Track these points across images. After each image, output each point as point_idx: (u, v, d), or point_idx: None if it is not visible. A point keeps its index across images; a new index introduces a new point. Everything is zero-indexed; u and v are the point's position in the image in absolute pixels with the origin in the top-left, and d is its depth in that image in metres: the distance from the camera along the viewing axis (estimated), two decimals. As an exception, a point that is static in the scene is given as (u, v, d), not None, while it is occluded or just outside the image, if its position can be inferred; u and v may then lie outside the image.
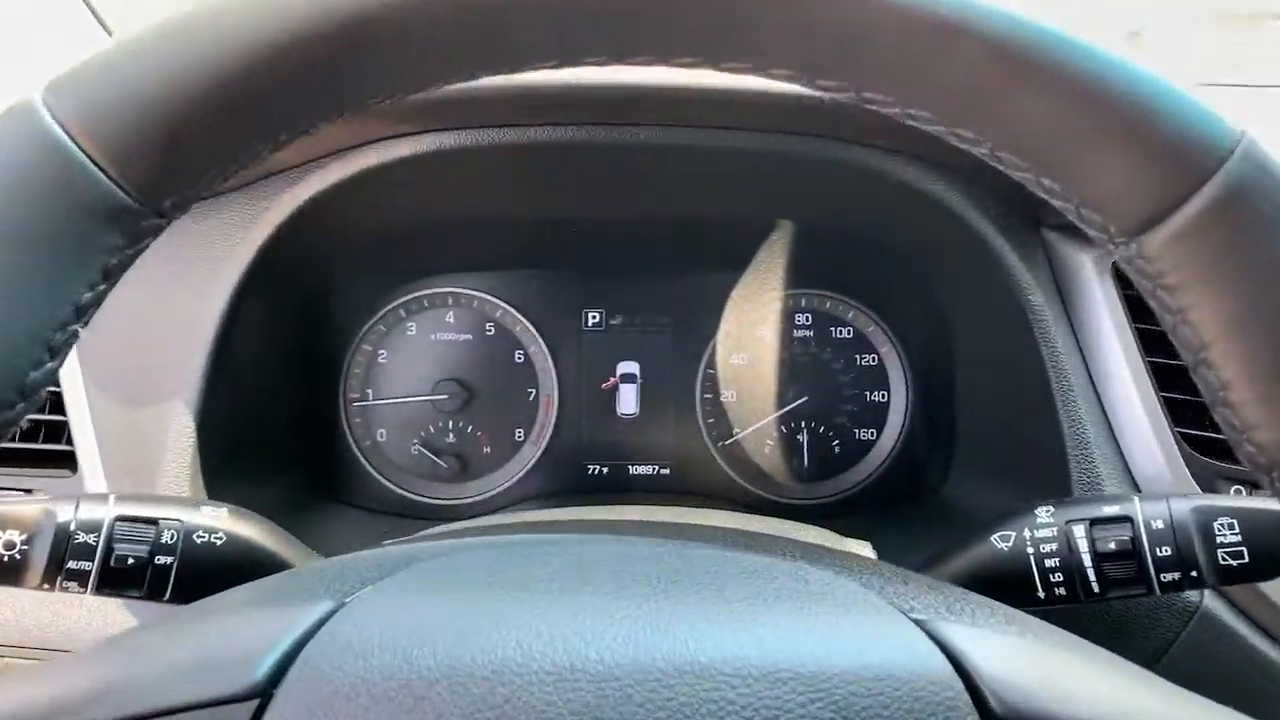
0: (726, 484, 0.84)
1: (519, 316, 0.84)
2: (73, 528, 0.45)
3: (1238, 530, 0.44)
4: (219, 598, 0.34)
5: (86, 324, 0.31)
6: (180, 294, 0.65)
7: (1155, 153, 0.28)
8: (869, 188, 0.65)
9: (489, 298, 0.84)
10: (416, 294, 0.84)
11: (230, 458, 0.67)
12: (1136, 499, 0.47)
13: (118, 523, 0.46)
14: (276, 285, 0.69)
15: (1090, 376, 0.64)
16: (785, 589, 0.34)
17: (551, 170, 0.67)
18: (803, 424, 0.84)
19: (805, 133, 0.62)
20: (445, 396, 0.83)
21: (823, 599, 0.33)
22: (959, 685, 0.30)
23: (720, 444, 0.85)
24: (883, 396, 0.84)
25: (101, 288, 0.31)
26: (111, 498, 0.47)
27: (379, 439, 0.84)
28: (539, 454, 0.84)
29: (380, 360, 0.84)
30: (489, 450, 0.85)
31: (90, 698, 0.29)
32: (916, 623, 0.32)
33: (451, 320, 0.85)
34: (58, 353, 0.31)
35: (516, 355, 0.85)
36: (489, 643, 0.30)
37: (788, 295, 0.84)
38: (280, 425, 0.77)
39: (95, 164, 0.30)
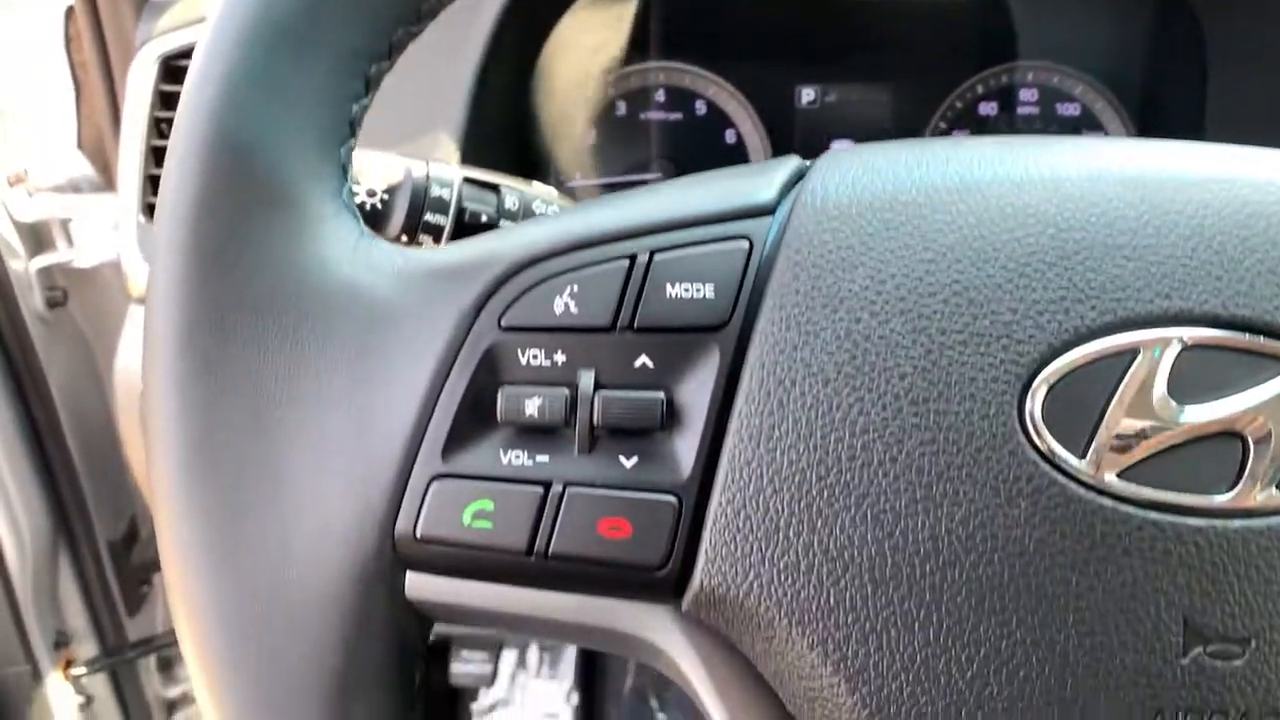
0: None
1: (733, 92, 0.82)
2: (428, 182, 0.45)
3: None
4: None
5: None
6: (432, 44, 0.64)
7: None
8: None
9: (701, 72, 0.82)
10: (623, 72, 0.83)
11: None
12: None
13: (465, 184, 0.46)
14: (518, 46, 0.69)
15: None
16: None
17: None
18: (1023, 204, 0.82)
19: None
20: (659, 176, 0.82)
21: None
22: None
23: (936, 226, 0.82)
24: (1108, 176, 0.81)
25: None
26: (455, 164, 0.47)
27: (589, 220, 0.83)
28: (749, 236, 0.83)
29: (589, 141, 0.83)
30: (699, 233, 0.83)
31: (586, 223, 0.29)
32: None
33: (661, 99, 0.83)
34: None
35: (728, 135, 0.84)
36: (1022, 154, 0.29)
37: (1015, 69, 0.81)
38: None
39: None
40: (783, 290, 0.27)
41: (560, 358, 0.28)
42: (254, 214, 0.28)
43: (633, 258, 0.28)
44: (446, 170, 0.46)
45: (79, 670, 1.04)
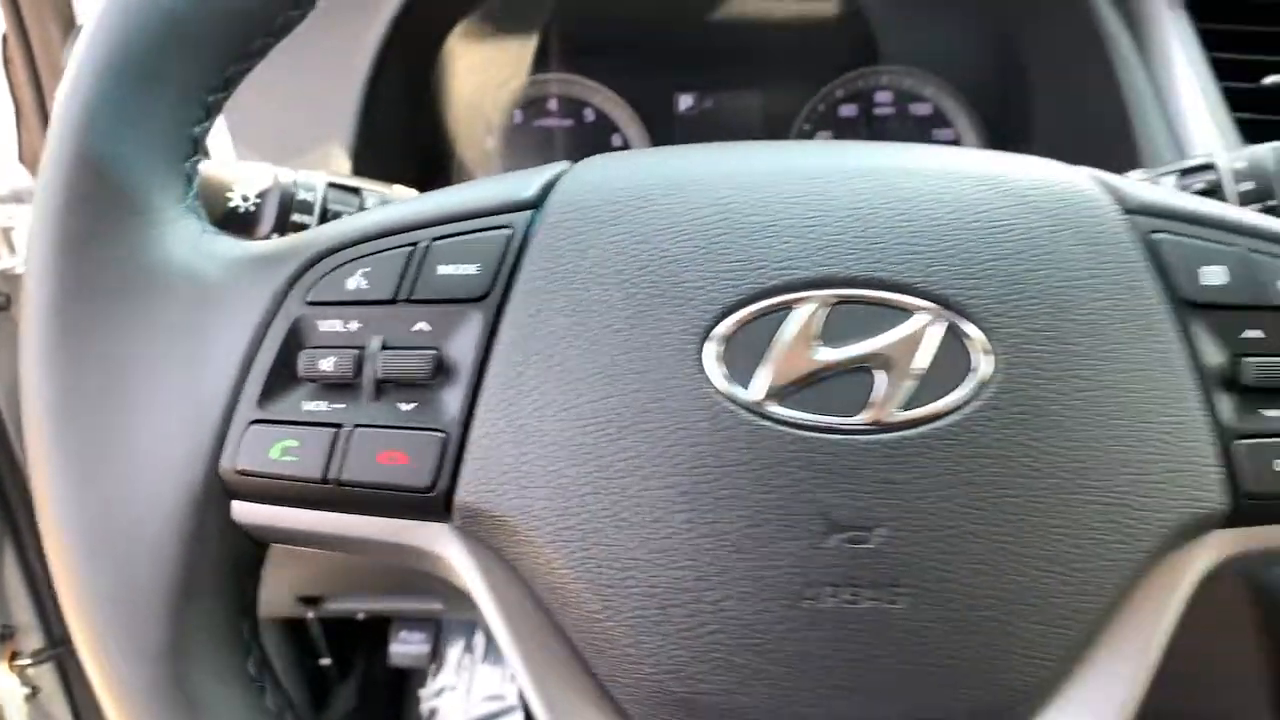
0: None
1: (619, 100, 0.90)
2: (295, 187, 0.51)
3: (1313, 158, 0.49)
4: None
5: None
6: (321, 59, 0.71)
7: None
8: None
9: (588, 82, 0.90)
10: (521, 83, 0.90)
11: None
12: (1216, 149, 0.53)
13: (329, 188, 0.53)
14: (406, 60, 0.75)
15: (1167, 114, 0.69)
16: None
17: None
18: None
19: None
20: (551, 178, 0.89)
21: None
22: (1101, 189, 0.36)
23: (807, 219, 0.90)
24: (960, 170, 0.89)
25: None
26: (322, 172, 0.54)
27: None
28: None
29: (490, 147, 0.90)
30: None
31: (379, 219, 0.36)
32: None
33: (554, 107, 0.90)
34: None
35: (615, 140, 0.91)
36: (734, 158, 0.36)
37: (871, 73, 0.89)
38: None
39: None
40: (532, 269, 0.34)
41: (354, 325, 0.34)
42: (108, 216, 0.35)
43: (416, 244, 0.35)
44: (312, 176, 0.52)
45: (24, 661, 1.08)
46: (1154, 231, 0.35)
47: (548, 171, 0.37)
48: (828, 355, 0.32)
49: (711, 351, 0.33)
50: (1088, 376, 0.33)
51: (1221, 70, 0.67)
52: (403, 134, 0.78)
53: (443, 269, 0.35)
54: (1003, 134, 0.87)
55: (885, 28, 0.87)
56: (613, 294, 0.33)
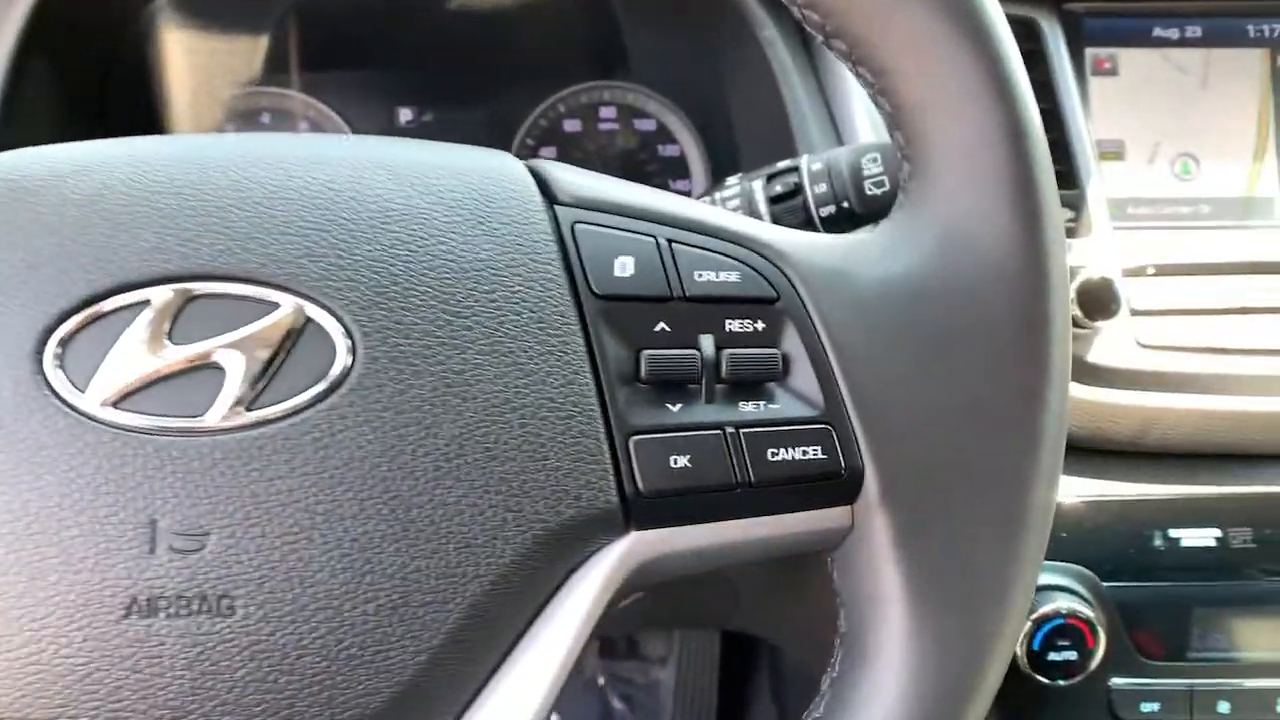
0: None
1: (331, 115, 0.87)
2: None
3: (881, 163, 0.49)
4: None
5: None
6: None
7: None
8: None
9: (302, 96, 0.87)
10: (231, 96, 0.87)
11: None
12: (805, 155, 0.53)
13: None
14: (67, 61, 0.72)
15: (837, 122, 0.70)
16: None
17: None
18: (610, 213, 0.89)
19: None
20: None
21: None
22: (532, 180, 0.35)
23: (533, 235, 0.88)
24: (686, 185, 0.89)
25: None
26: None
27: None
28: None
29: (200, 162, 0.87)
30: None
31: None
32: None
33: (267, 121, 0.87)
34: None
35: (333, 154, 0.88)
36: (141, 148, 0.34)
37: (593, 88, 0.89)
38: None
39: None
40: None
41: None
42: None
43: None
44: None
45: None
46: (579, 223, 0.34)
47: None
48: (175, 354, 0.30)
49: (51, 353, 0.30)
50: (467, 372, 0.31)
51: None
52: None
53: None
54: (719, 147, 0.87)
55: (629, 40, 0.87)
56: None
